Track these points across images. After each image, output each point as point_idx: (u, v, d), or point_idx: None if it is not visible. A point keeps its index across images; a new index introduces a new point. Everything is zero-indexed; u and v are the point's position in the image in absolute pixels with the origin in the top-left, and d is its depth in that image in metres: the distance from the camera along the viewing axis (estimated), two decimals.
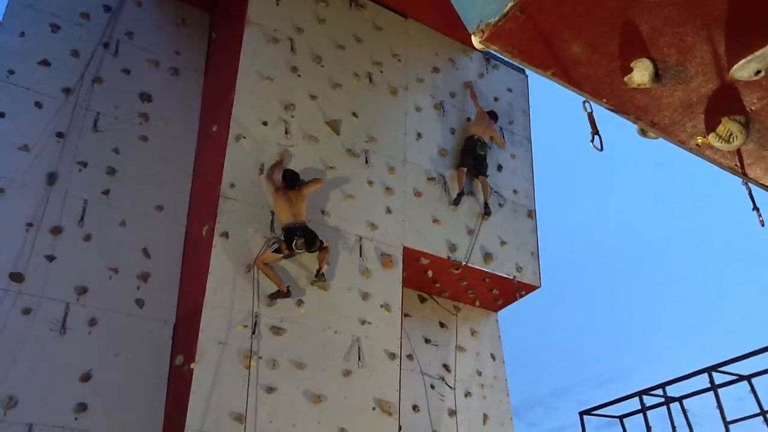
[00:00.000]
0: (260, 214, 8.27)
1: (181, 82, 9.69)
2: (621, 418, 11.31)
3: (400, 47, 10.69)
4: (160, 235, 8.54)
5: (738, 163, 3.76)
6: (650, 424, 10.57)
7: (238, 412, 7.13)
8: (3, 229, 7.56)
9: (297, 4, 9.78)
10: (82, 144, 8.47)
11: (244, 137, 8.53)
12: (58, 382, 7.20)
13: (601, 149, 3.46)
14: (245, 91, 8.78)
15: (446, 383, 9.84)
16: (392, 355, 8.50)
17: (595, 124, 3.46)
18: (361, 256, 8.81)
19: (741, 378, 9.52)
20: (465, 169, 10.31)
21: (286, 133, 8.89)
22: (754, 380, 9.39)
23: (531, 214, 11.08)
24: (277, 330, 7.78)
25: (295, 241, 7.69)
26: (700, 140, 3.59)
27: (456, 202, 10.08)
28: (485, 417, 10.02)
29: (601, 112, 3.56)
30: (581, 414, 11.52)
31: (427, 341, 10.09)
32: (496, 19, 2.83)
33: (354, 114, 9.64)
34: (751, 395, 9.41)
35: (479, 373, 10.33)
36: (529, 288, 10.58)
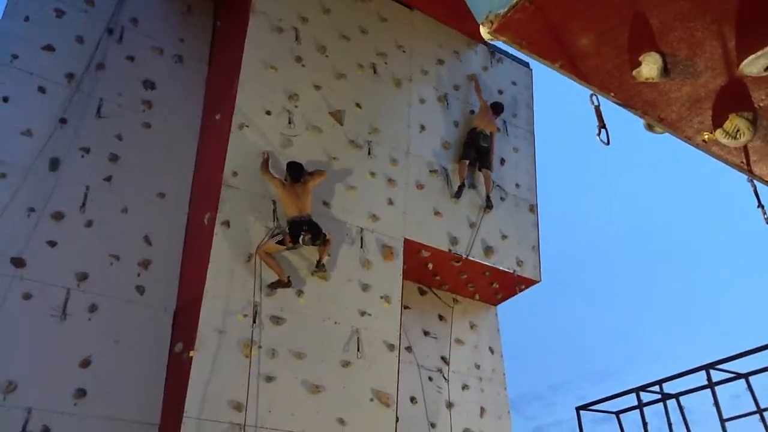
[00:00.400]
0: (262, 204, 8.26)
1: (185, 70, 9.66)
2: (617, 413, 11.32)
3: (405, 39, 10.66)
4: (161, 223, 8.53)
5: (744, 160, 3.76)
6: (647, 420, 10.59)
7: (237, 400, 7.15)
8: (4, 213, 7.53)
9: None
10: (84, 130, 8.45)
11: (247, 126, 8.52)
12: (58, 367, 7.20)
13: (608, 143, 3.46)
14: (249, 80, 8.76)
15: (444, 376, 9.86)
16: (391, 347, 8.51)
17: (602, 117, 3.45)
18: (362, 247, 8.81)
19: (738, 376, 9.52)
20: (467, 162, 10.30)
21: (290, 122, 8.87)
22: (751, 378, 9.40)
23: (533, 208, 11.07)
24: (277, 319, 7.79)
25: (302, 237, 7.68)
26: (707, 136, 3.58)
27: (457, 194, 10.07)
28: (483, 410, 10.04)
29: (604, 107, 3.56)
30: (578, 409, 11.53)
31: (426, 334, 10.10)
32: (506, 9, 2.82)
33: (358, 105, 9.62)
34: (748, 393, 9.41)
35: (477, 366, 10.35)
36: (529, 282, 10.59)
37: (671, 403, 10.37)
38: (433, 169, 10.08)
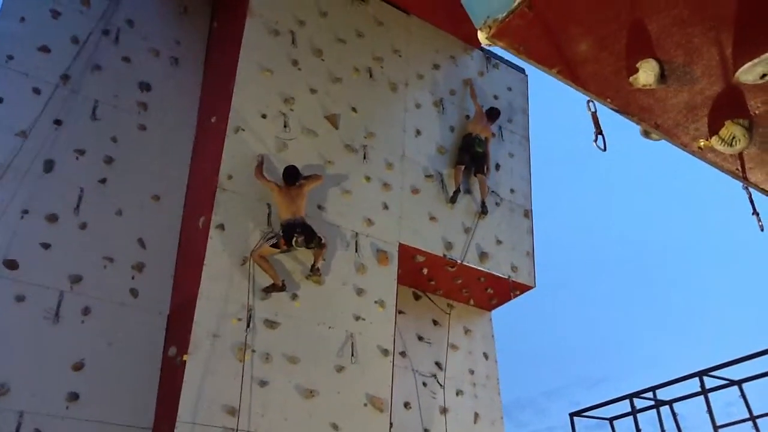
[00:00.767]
0: (257, 207, 8.24)
1: (181, 72, 9.64)
2: (611, 420, 11.32)
3: (401, 43, 10.67)
4: (156, 226, 8.50)
5: (739, 167, 3.76)
6: (640, 426, 10.58)
7: (231, 405, 7.12)
8: None
9: None
10: (79, 131, 8.42)
11: (243, 129, 8.50)
12: (51, 370, 7.17)
13: (605, 149, 3.46)
14: (245, 83, 8.75)
15: (438, 381, 9.84)
16: (385, 352, 8.50)
17: (599, 123, 3.46)
18: (356, 251, 8.80)
19: (732, 383, 9.54)
20: (462, 167, 10.31)
21: (285, 126, 8.86)
22: (744, 385, 9.42)
23: (527, 214, 11.08)
24: (271, 324, 7.76)
25: (295, 239, 7.68)
26: (702, 143, 3.59)
27: (452, 200, 10.07)
28: (476, 416, 10.03)
29: (600, 113, 3.56)
30: (571, 415, 11.52)
31: (420, 339, 10.09)
32: (504, 15, 2.83)
33: (353, 109, 9.62)
34: (741, 400, 9.42)
35: (471, 372, 10.34)
36: (524, 288, 10.60)
37: (665, 410, 10.38)
38: (428, 174, 10.08)
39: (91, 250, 7.94)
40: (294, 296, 8.07)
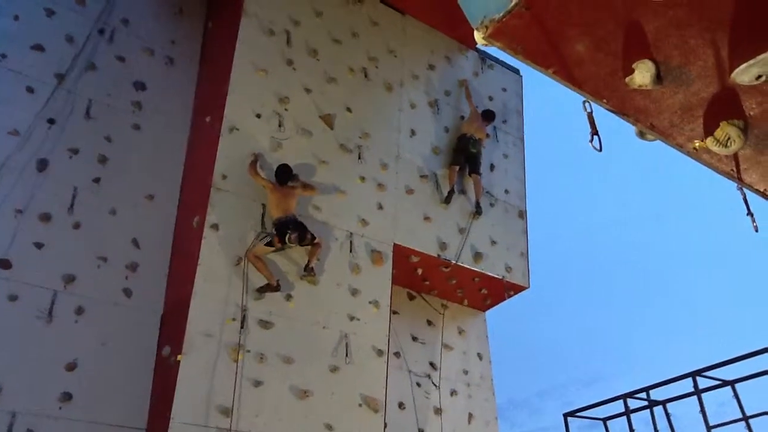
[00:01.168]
0: (251, 207, 8.23)
1: (176, 71, 9.61)
2: (605, 420, 11.36)
3: (397, 44, 10.67)
4: (150, 225, 8.47)
5: (734, 168, 3.78)
6: (633, 427, 10.62)
7: (225, 405, 7.10)
8: None
9: None
10: (73, 131, 8.38)
11: (238, 129, 8.48)
12: (44, 370, 7.13)
13: (600, 150, 3.47)
14: (240, 83, 8.73)
15: (432, 381, 9.85)
16: (380, 352, 8.49)
17: (594, 124, 3.47)
18: (351, 251, 8.79)
19: (725, 383, 9.58)
20: (457, 168, 10.31)
21: (280, 126, 8.85)
22: (737, 386, 9.46)
23: (522, 214, 11.10)
24: (265, 324, 7.75)
25: (288, 236, 7.68)
26: (697, 144, 3.60)
27: (447, 200, 10.08)
28: (470, 416, 10.04)
29: (594, 114, 3.56)
30: (565, 415, 11.56)
31: (414, 339, 10.09)
32: (501, 15, 2.83)
33: (348, 109, 9.61)
34: (734, 400, 9.47)
35: (465, 372, 10.35)
36: (518, 288, 10.62)
37: (658, 410, 10.42)
38: (423, 174, 10.09)
39: (85, 250, 7.90)
40: (288, 296, 8.06)
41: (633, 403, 10.73)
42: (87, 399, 7.24)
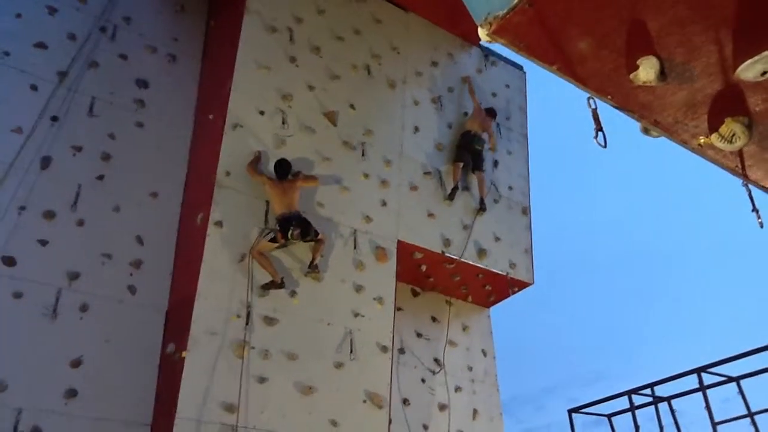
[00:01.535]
0: (255, 204, 8.23)
1: (179, 68, 9.61)
2: (609, 416, 11.36)
3: (399, 40, 10.65)
4: (153, 222, 8.48)
5: (739, 164, 3.77)
6: (638, 423, 10.63)
7: (230, 401, 7.12)
8: None
9: None
10: (76, 128, 8.39)
11: (241, 126, 8.49)
12: (49, 367, 7.14)
13: (605, 146, 3.46)
14: (243, 80, 8.73)
15: (437, 377, 9.85)
16: (384, 348, 8.50)
17: (599, 120, 3.46)
18: (355, 248, 8.80)
19: (730, 379, 9.58)
20: (461, 164, 10.31)
21: (283, 123, 8.85)
22: (742, 382, 9.45)
23: (525, 210, 11.10)
24: (269, 320, 7.76)
25: (291, 231, 7.69)
26: (702, 140, 3.59)
27: (450, 197, 10.07)
28: (475, 412, 10.04)
29: (599, 110, 3.56)
30: (570, 412, 11.57)
31: (418, 335, 10.09)
32: (504, 11, 2.82)
33: (351, 106, 9.61)
34: (739, 396, 9.47)
35: (470, 369, 10.35)
36: (522, 285, 10.61)
37: (663, 406, 10.42)
38: (426, 170, 10.08)
39: (89, 247, 7.91)
40: (293, 293, 8.06)
41: (638, 400, 10.73)
42: (92, 395, 7.25)
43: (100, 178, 8.33)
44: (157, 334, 7.94)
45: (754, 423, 9.13)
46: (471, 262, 9.98)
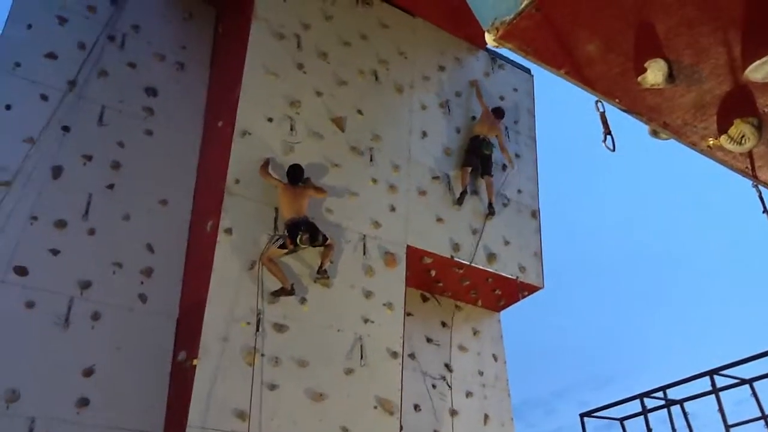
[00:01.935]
0: (265, 211, 8.25)
1: (187, 76, 9.66)
2: (621, 420, 11.29)
3: (407, 45, 10.66)
4: (164, 230, 8.52)
5: (749, 166, 3.75)
6: (651, 426, 10.55)
7: (241, 408, 7.12)
8: (7, 222, 7.53)
9: (304, 0, 9.76)
10: (87, 137, 8.45)
11: (250, 133, 8.51)
12: (61, 376, 7.18)
13: (614, 149, 3.45)
14: (251, 87, 8.77)
15: (446, 383, 9.83)
16: (394, 354, 8.49)
17: (607, 124, 3.45)
18: (364, 254, 8.80)
19: (743, 382, 9.50)
20: (469, 169, 10.30)
21: (292, 129, 8.87)
22: (755, 384, 9.38)
23: (535, 214, 11.07)
24: (279, 327, 7.77)
25: (299, 236, 7.70)
26: (711, 142, 3.58)
27: (459, 201, 10.06)
28: (486, 417, 10.01)
29: (608, 113, 3.55)
30: (582, 416, 11.49)
31: (428, 341, 10.08)
32: (512, 17, 2.81)
33: (359, 111, 9.62)
34: (752, 399, 9.38)
35: (480, 373, 10.32)
36: (532, 289, 10.58)
37: (675, 409, 10.34)
38: (435, 175, 10.08)
39: (100, 256, 7.96)
40: (302, 300, 8.07)
41: (650, 403, 10.66)
42: (104, 404, 7.28)
43: (110, 186, 8.38)
44: (168, 341, 7.97)
45: None
46: (480, 267, 9.96)
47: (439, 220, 9.82)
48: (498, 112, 10.90)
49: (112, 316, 7.74)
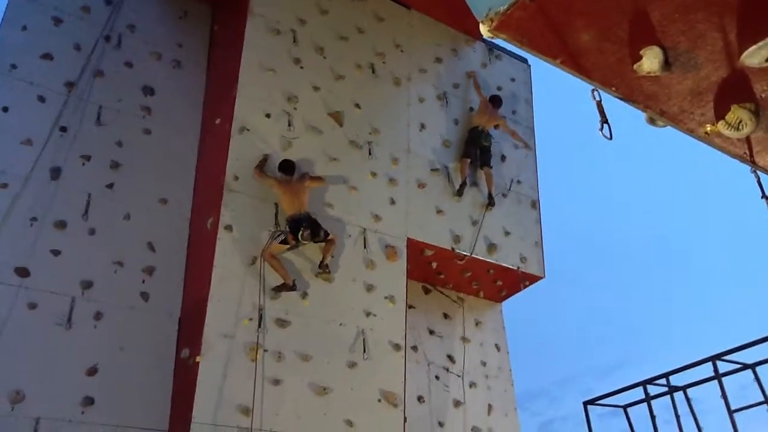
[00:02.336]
0: (264, 207, 8.26)
1: (184, 74, 9.65)
2: (625, 407, 11.30)
3: (403, 38, 10.65)
4: (164, 229, 8.52)
5: (747, 151, 3.75)
6: (654, 413, 10.57)
7: (245, 404, 7.14)
8: (7, 223, 7.53)
9: None
10: (85, 137, 8.45)
11: (248, 129, 8.51)
12: (65, 376, 7.20)
13: (611, 138, 3.45)
14: (248, 83, 8.76)
15: (452, 373, 9.85)
16: (397, 347, 8.51)
17: (604, 112, 3.45)
18: (365, 247, 8.81)
19: (745, 367, 9.50)
20: (468, 160, 10.29)
21: (289, 125, 8.87)
22: (758, 369, 9.38)
23: (534, 204, 11.07)
24: (282, 322, 7.79)
25: (301, 232, 7.71)
26: (709, 128, 3.58)
27: (459, 193, 10.07)
28: (490, 407, 10.04)
29: (604, 101, 3.55)
30: (585, 404, 11.51)
31: (431, 332, 10.09)
32: (506, 7, 2.82)
33: (357, 105, 9.62)
34: (755, 384, 9.39)
35: (483, 364, 10.34)
36: (533, 278, 10.59)
37: (678, 396, 10.35)
38: (434, 167, 10.08)
39: (101, 256, 7.96)
40: (304, 294, 8.08)
41: (653, 390, 10.66)
42: (109, 403, 7.30)
43: (110, 186, 8.38)
44: (170, 339, 7.99)
45: None
46: (481, 258, 9.97)
47: (439, 212, 9.82)
48: (495, 101, 10.87)
49: (115, 315, 7.75)
